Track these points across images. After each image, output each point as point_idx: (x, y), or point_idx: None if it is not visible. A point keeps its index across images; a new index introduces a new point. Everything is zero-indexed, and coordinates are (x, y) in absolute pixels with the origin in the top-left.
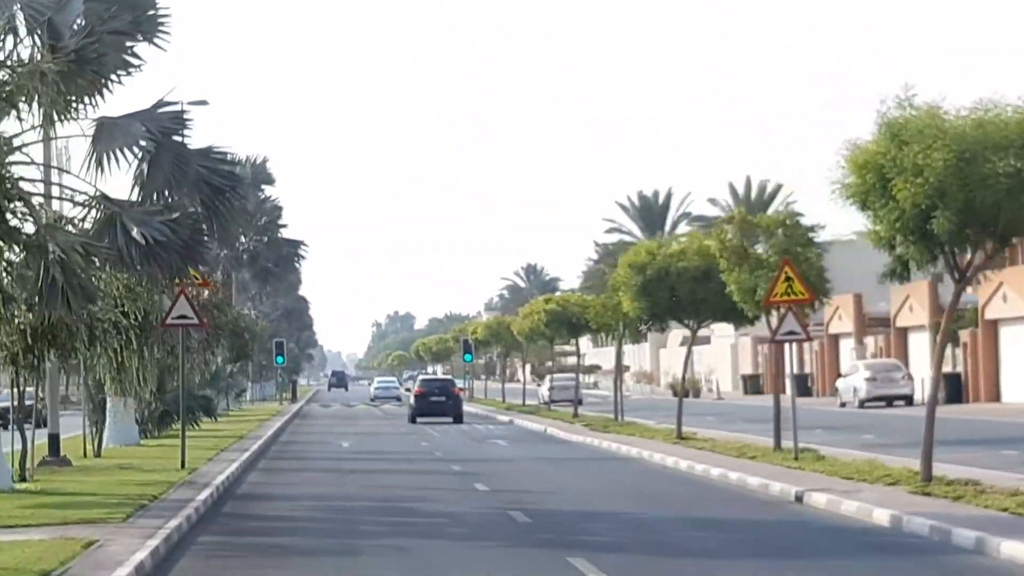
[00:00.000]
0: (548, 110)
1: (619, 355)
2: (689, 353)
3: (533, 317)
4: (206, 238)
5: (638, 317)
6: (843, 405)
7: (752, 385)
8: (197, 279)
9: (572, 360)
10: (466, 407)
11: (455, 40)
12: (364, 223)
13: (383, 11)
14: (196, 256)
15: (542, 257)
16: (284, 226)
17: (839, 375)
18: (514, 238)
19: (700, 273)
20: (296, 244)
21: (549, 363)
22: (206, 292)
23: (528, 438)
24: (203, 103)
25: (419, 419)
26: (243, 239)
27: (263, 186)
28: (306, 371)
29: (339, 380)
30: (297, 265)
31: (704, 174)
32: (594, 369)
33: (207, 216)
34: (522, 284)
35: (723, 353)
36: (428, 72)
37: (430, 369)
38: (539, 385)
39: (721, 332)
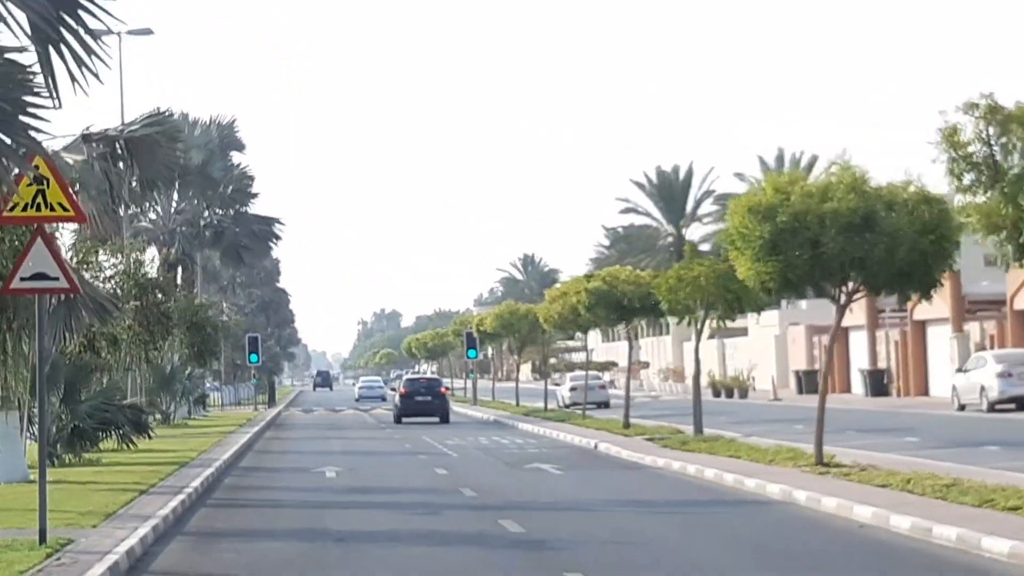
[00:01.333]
0: (545, 88)
1: (698, 348)
2: (834, 337)
3: (570, 299)
4: (42, 98)
5: (762, 286)
6: (962, 408)
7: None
8: (65, 210)
9: (577, 357)
10: (474, 412)
11: (448, 13)
12: (347, 217)
13: None
14: (20, 137)
15: (540, 248)
16: (255, 195)
17: (959, 370)
18: (508, 229)
19: (859, 219)
20: (270, 221)
21: (552, 360)
22: (150, 264)
23: (580, 460)
24: (147, 32)
25: (404, 419)
26: (205, 212)
27: (231, 152)
28: (289, 371)
29: (324, 380)
30: (272, 245)
31: (724, 150)
32: (609, 366)
33: (44, 57)
34: (519, 276)
35: (765, 346)
36: (417, 49)
37: (422, 368)
38: (557, 384)
39: (766, 322)
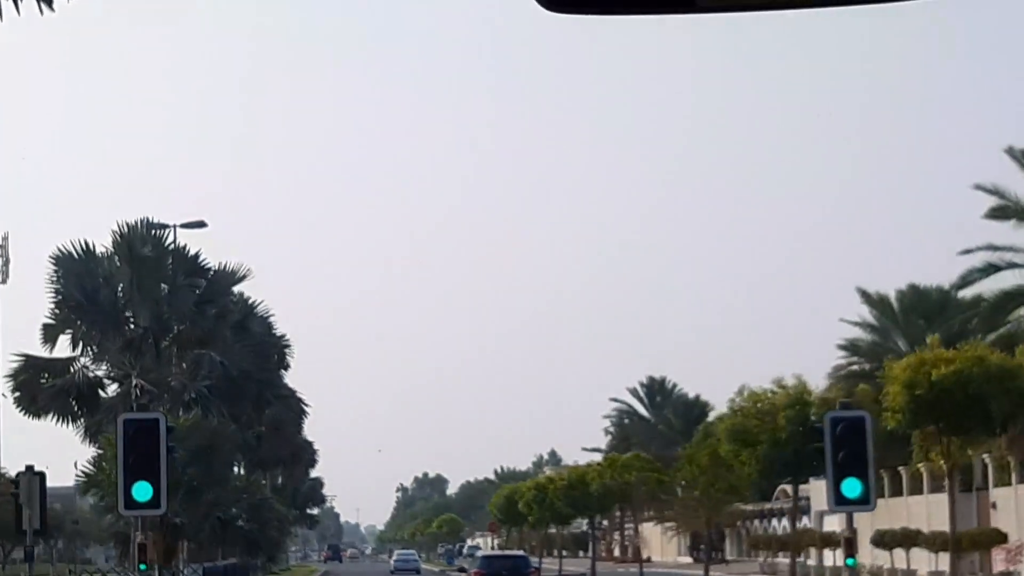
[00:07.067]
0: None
1: None
2: None
3: None
4: None
5: None
6: None
7: None
8: None
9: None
10: None
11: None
12: (381, 377)
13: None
14: None
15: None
16: None
17: None
18: (597, 362)
19: None
20: None
21: (756, 519)
22: None
23: None
24: None
25: None
26: None
27: None
28: (316, 543)
29: (334, 553)
30: None
31: None
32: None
33: None
34: (643, 411)
35: None
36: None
37: (479, 541)
38: None
39: None
